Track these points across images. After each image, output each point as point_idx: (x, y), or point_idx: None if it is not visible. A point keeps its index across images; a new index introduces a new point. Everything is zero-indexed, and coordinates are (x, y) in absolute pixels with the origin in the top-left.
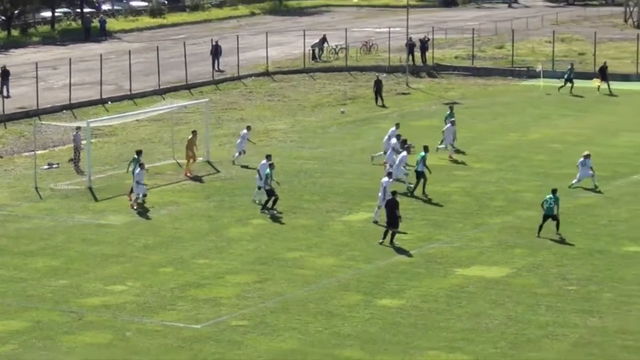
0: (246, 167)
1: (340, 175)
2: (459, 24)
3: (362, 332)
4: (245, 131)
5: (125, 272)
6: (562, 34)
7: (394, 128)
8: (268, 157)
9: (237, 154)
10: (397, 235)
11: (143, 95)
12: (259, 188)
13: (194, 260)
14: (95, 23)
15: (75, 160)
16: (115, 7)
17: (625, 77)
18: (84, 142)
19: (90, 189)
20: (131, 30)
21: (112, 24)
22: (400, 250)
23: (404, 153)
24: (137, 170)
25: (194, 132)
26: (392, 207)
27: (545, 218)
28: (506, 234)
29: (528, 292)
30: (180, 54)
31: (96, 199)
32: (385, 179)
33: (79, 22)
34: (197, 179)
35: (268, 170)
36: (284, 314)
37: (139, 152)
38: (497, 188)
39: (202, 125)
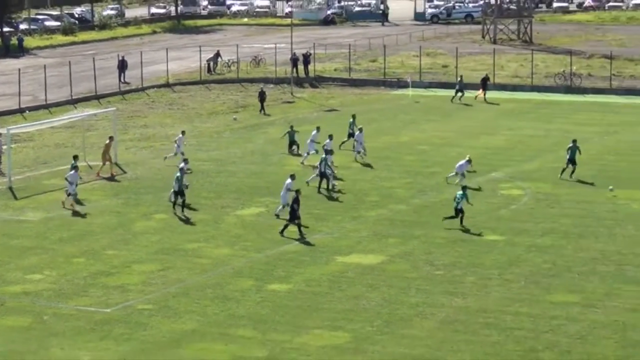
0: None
1: (233, 175)
2: (337, 40)
3: (254, 313)
4: (180, 136)
5: (43, 263)
6: (427, 49)
7: (315, 131)
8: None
9: (172, 154)
10: (288, 227)
11: (57, 104)
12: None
13: (104, 252)
14: (14, 41)
15: None
16: (32, 27)
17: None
18: (4, 147)
19: (10, 188)
20: (46, 47)
21: (29, 41)
22: (288, 241)
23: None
24: (72, 172)
25: (111, 138)
26: (293, 203)
27: (456, 212)
28: (380, 225)
29: (400, 277)
30: (90, 68)
31: (16, 198)
32: (289, 180)
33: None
34: (111, 179)
35: (178, 174)
36: (184, 298)
37: (75, 157)
38: (372, 185)
39: (110, 131)
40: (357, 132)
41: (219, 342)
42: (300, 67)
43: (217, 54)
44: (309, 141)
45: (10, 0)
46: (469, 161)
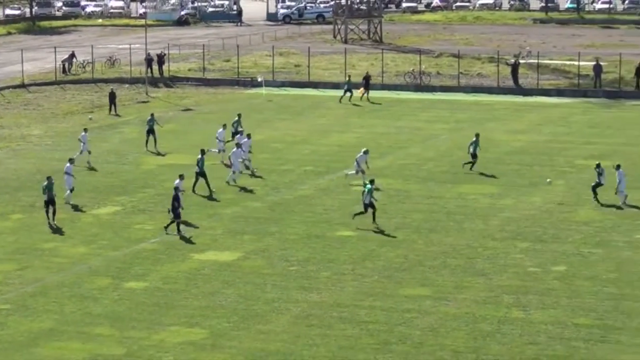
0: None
1: (90, 174)
2: (191, 40)
3: (112, 311)
4: (83, 134)
5: None
6: (280, 48)
7: (221, 130)
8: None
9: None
10: (141, 226)
11: None
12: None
13: None
14: None
15: None
16: None
17: (335, 86)
18: None
19: None
20: None
21: None
22: (144, 239)
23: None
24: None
25: None
26: (172, 200)
27: (365, 207)
28: (236, 222)
29: (256, 273)
30: None
31: None
32: (177, 180)
33: None
34: None
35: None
36: (42, 298)
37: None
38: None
39: None
40: (238, 135)
41: (76, 341)
42: (155, 67)
43: (72, 55)
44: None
45: None
46: (366, 152)
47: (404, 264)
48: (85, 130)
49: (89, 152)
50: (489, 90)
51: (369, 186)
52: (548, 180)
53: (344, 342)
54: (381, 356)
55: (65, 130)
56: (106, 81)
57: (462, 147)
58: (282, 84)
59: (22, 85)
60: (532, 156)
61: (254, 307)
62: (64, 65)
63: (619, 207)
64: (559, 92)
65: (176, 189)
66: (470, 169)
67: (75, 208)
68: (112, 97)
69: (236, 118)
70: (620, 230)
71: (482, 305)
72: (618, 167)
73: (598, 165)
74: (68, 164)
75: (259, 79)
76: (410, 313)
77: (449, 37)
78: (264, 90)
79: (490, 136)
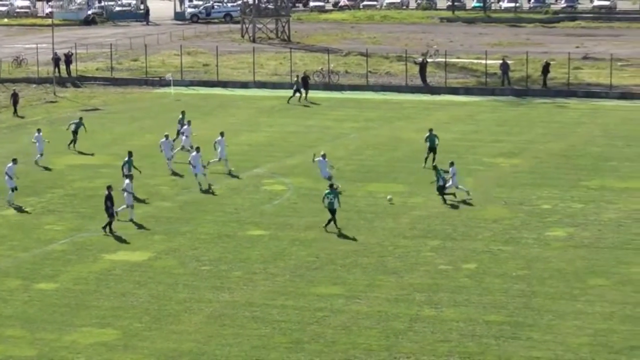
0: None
1: None
2: (98, 40)
3: (22, 313)
4: (37, 134)
5: None
6: (188, 48)
7: (164, 139)
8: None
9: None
10: (51, 226)
11: None
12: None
13: None
14: None
15: None
16: None
17: (244, 85)
18: None
19: None
20: None
21: None
22: (54, 240)
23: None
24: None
25: None
26: (105, 200)
27: (331, 213)
28: (146, 222)
29: (167, 273)
30: None
31: None
32: (127, 181)
33: None
34: None
35: None
36: None
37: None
38: (136, 183)
39: None
40: (186, 127)
41: None
42: (62, 66)
43: None
44: (184, 137)
45: None
46: (324, 156)
47: (316, 262)
48: (39, 130)
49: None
50: (398, 89)
51: (328, 190)
52: (389, 197)
53: (257, 341)
54: (294, 355)
55: None
56: (13, 81)
57: (372, 146)
58: (191, 83)
59: None
60: (441, 154)
61: (166, 307)
62: None
63: (504, 204)
64: (467, 91)
65: (107, 187)
66: (432, 162)
67: None
68: (15, 98)
69: (180, 116)
70: (530, 227)
71: (394, 304)
72: (452, 163)
73: (436, 168)
74: (10, 164)
75: (168, 78)
76: (322, 312)
77: (357, 36)
78: (172, 90)
79: (400, 135)
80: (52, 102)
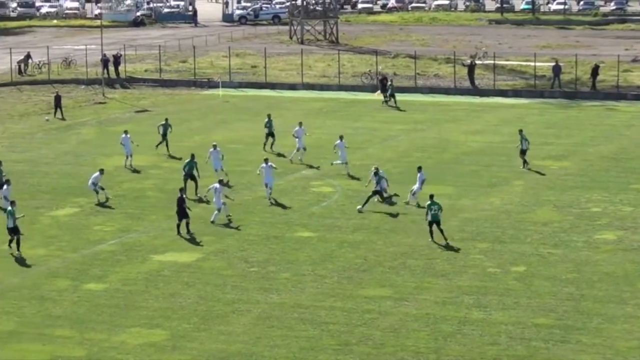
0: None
1: (47, 176)
2: (147, 41)
3: (71, 313)
4: (124, 135)
5: None
6: (236, 49)
7: (297, 127)
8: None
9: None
10: (100, 227)
11: None
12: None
13: None
14: None
15: None
16: None
17: (292, 86)
18: None
19: None
20: None
21: None
22: (103, 240)
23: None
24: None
25: None
26: (181, 202)
27: (435, 224)
28: (195, 223)
29: (216, 274)
30: None
31: None
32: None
33: None
34: None
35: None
36: (1, 300)
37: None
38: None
39: None
40: (297, 128)
41: (37, 343)
42: (111, 68)
43: (28, 56)
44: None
45: None
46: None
47: (364, 264)
48: (126, 132)
49: (304, 149)
50: (446, 91)
51: (429, 201)
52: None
53: (305, 343)
54: (342, 357)
55: (22, 132)
56: (62, 82)
57: (420, 148)
58: (239, 85)
59: None
60: (489, 157)
61: (214, 308)
62: (19, 66)
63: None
64: (516, 93)
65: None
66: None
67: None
68: (58, 100)
69: (267, 119)
70: (579, 230)
71: (442, 306)
72: (419, 168)
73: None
74: (97, 174)
75: (217, 80)
76: (370, 314)
77: (405, 38)
78: (220, 91)
79: (448, 137)
80: (100, 103)
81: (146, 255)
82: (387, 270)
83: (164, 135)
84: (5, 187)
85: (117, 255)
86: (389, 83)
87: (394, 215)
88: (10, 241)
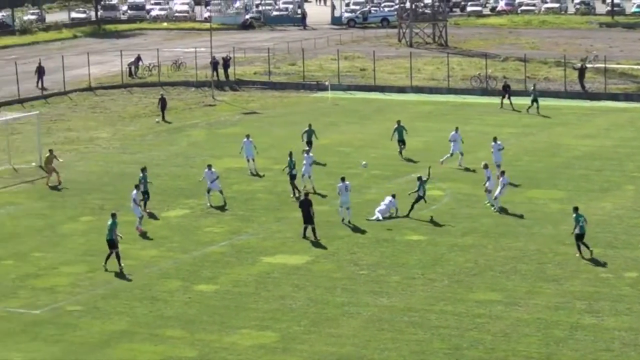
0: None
1: (157, 177)
2: (256, 44)
3: (182, 314)
4: (246, 139)
5: None
6: (345, 52)
7: (453, 132)
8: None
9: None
10: (210, 229)
11: None
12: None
13: (32, 254)
14: None
15: None
16: None
17: (401, 89)
18: None
19: None
20: None
21: None
22: (213, 242)
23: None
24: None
25: (51, 151)
26: (307, 206)
27: (578, 237)
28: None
29: (326, 277)
30: (12, 72)
31: None
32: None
33: None
34: (55, 188)
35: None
36: (113, 300)
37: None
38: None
39: (34, 134)
40: (453, 133)
41: (148, 343)
42: (221, 70)
43: (138, 58)
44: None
45: None
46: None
47: (474, 268)
48: (248, 136)
49: (461, 154)
50: (556, 95)
51: (574, 214)
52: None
53: (415, 346)
54: None
55: (133, 133)
56: (172, 84)
57: (530, 152)
58: (348, 88)
59: (89, 89)
60: (601, 161)
61: (324, 311)
62: (130, 68)
63: None
64: (627, 97)
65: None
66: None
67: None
68: (163, 102)
69: (307, 128)
70: None
71: (553, 311)
72: (503, 173)
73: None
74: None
75: (326, 83)
76: (481, 318)
77: (515, 41)
78: (329, 94)
79: (559, 141)
80: (210, 105)
81: (256, 257)
82: (498, 274)
83: (309, 143)
84: (135, 191)
85: (227, 257)
86: (532, 88)
87: (505, 219)
88: (108, 256)
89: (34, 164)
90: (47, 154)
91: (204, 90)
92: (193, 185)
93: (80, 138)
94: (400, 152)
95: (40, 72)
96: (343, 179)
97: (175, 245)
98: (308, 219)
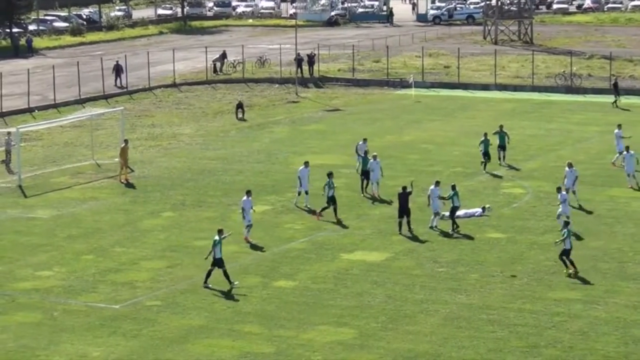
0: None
1: (240, 173)
2: (340, 41)
3: (261, 310)
4: (361, 142)
5: (52, 260)
6: (430, 49)
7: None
8: (306, 163)
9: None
10: (290, 225)
11: (66, 104)
12: (299, 193)
13: (112, 249)
14: (23, 42)
15: (7, 162)
16: (41, 27)
17: (485, 87)
18: (14, 145)
19: (20, 186)
20: (54, 48)
21: (37, 42)
22: (293, 238)
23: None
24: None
25: (126, 141)
26: (404, 198)
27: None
28: (384, 223)
29: (404, 274)
30: (98, 68)
31: (25, 196)
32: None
33: (9, 40)
34: (130, 185)
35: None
36: (192, 295)
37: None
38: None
39: (118, 130)
40: (616, 130)
41: (226, 338)
42: (305, 67)
43: (223, 55)
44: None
45: (20, 1)
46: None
47: (554, 267)
48: (365, 140)
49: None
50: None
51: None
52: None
53: (493, 344)
54: (530, 359)
55: (216, 130)
56: (256, 81)
57: (614, 150)
58: (432, 85)
59: (174, 85)
60: None
61: (403, 308)
62: (214, 64)
63: None
64: None
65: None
66: (484, 168)
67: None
68: (240, 106)
69: (482, 138)
70: None
71: (633, 310)
72: (570, 165)
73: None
74: (302, 167)
75: (410, 80)
76: (559, 316)
77: (601, 39)
78: (413, 91)
79: None
80: (294, 102)
81: (335, 254)
82: (578, 273)
83: (502, 148)
84: (245, 197)
85: (307, 254)
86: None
87: (586, 218)
88: (209, 273)
89: (117, 159)
90: (123, 145)
91: (288, 87)
92: (274, 181)
93: (164, 134)
94: (502, 158)
95: (117, 70)
96: (437, 183)
97: (255, 241)
98: (405, 211)
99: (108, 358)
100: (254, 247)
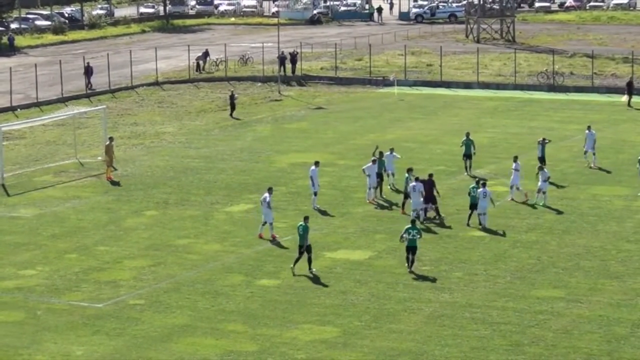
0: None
1: (222, 172)
2: (323, 39)
3: (244, 308)
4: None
5: (35, 258)
6: (412, 48)
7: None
8: (317, 163)
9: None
10: (274, 224)
11: (48, 102)
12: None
13: (96, 247)
14: (5, 40)
15: None
16: (23, 26)
17: (468, 85)
18: None
19: (2, 185)
20: (37, 46)
21: (19, 40)
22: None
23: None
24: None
25: (111, 139)
26: (429, 185)
27: (471, 207)
28: (368, 221)
29: (388, 272)
30: (80, 67)
31: (8, 194)
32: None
33: None
34: (115, 183)
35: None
36: (175, 294)
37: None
38: (358, 182)
39: (101, 128)
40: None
41: (209, 337)
42: (288, 65)
43: (206, 53)
44: None
45: (1, 0)
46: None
47: (537, 265)
48: (392, 150)
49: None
50: (624, 91)
51: (473, 185)
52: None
53: (476, 342)
54: (513, 357)
55: (199, 128)
56: (239, 79)
57: (596, 149)
58: (414, 83)
59: (156, 83)
60: None
61: (386, 306)
62: (197, 63)
63: None
64: None
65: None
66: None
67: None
68: (232, 99)
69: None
70: None
71: (616, 308)
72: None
73: (484, 184)
74: (313, 167)
75: (392, 78)
76: (543, 315)
77: (583, 37)
78: (395, 90)
79: (625, 137)
80: (276, 100)
81: (319, 252)
82: (560, 271)
83: (468, 156)
84: (267, 194)
85: (290, 252)
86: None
87: (568, 216)
88: (297, 259)
89: (99, 158)
90: (107, 142)
91: (271, 85)
92: (257, 180)
93: (146, 132)
94: (468, 168)
95: (88, 71)
96: (484, 184)
97: (238, 239)
98: (430, 198)
99: (91, 357)
100: (236, 245)
